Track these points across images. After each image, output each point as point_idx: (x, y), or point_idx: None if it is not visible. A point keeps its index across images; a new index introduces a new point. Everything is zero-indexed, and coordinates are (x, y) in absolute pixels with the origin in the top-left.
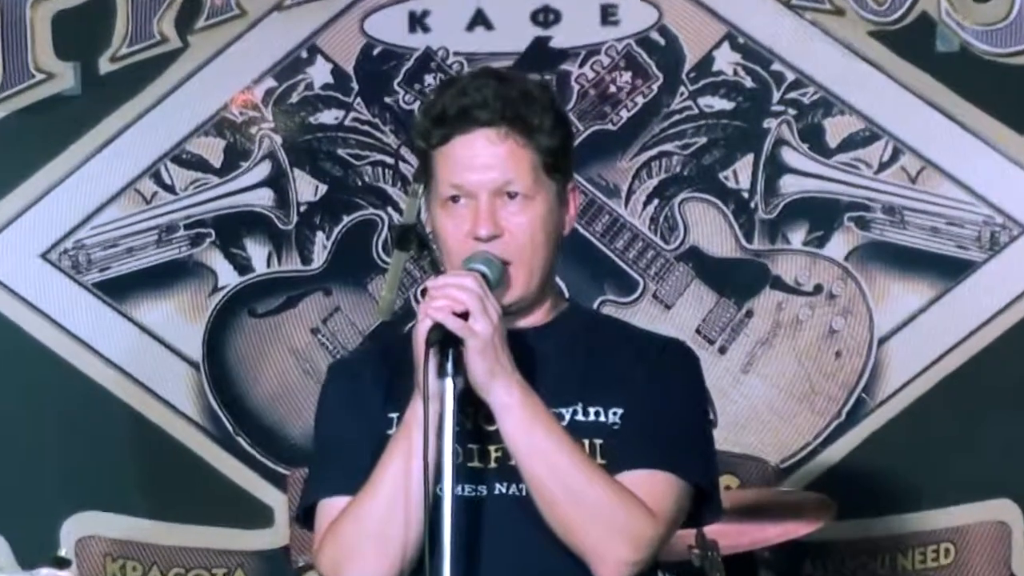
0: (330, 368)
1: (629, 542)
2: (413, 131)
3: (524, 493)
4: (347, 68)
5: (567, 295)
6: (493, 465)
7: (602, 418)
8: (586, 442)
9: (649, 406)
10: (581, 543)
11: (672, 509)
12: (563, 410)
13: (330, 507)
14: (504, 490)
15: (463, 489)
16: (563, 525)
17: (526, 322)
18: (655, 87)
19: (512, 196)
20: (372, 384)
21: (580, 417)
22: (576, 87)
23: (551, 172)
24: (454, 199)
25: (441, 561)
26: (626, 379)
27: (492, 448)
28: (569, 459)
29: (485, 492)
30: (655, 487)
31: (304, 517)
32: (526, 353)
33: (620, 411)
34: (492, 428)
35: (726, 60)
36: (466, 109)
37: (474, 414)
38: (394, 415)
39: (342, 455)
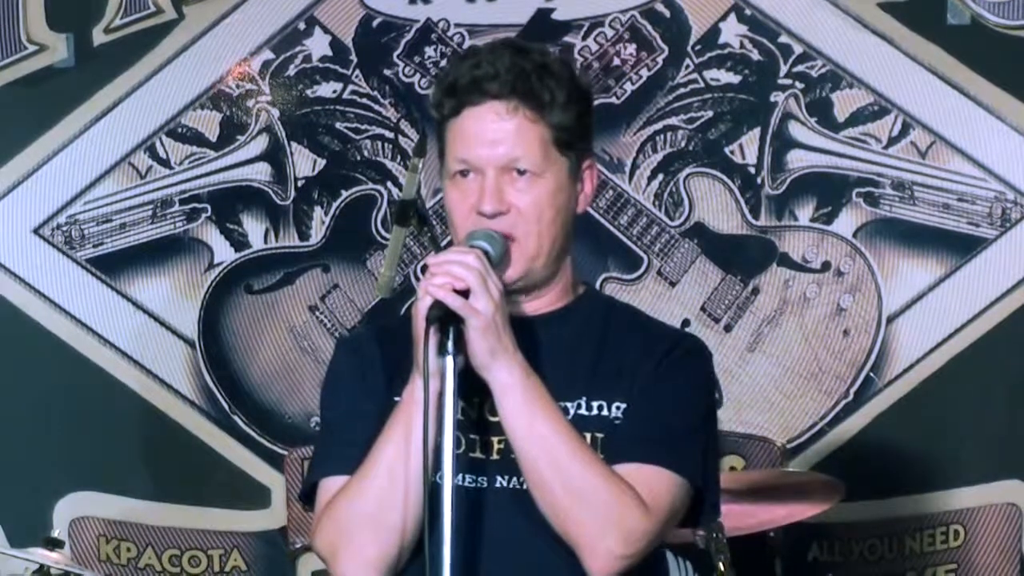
0: (337, 345)
1: (621, 535)
2: (428, 101)
3: (525, 487)
4: (346, 40)
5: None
6: (495, 457)
7: (605, 412)
8: (587, 435)
9: (652, 402)
10: (573, 533)
11: (667, 505)
12: (567, 404)
13: (330, 487)
14: (505, 483)
15: (463, 479)
16: (556, 513)
17: (534, 307)
18: (660, 60)
19: (521, 172)
20: (379, 364)
21: (583, 411)
22: (579, 60)
23: (563, 148)
24: (463, 173)
25: (440, 551)
26: (632, 373)
27: (495, 439)
28: (566, 446)
29: (486, 484)
30: (651, 481)
31: (307, 496)
32: (533, 343)
33: (623, 406)
34: (496, 419)
35: (733, 32)
36: (477, 80)
37: (479, 404)
38: (399, 399)
39: (346, 434)
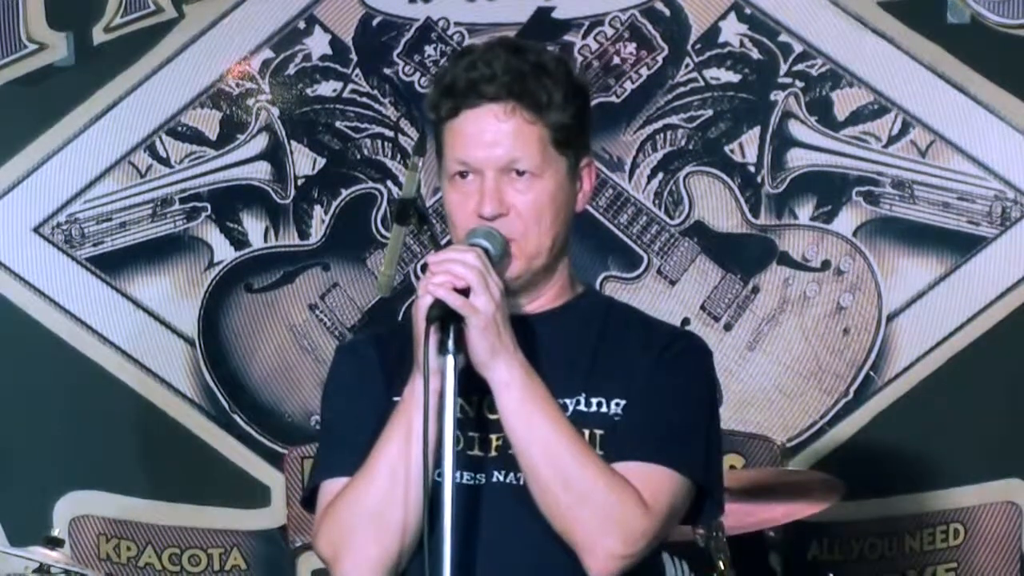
0: (336, 351)
1: (620, 534)
2: (424, 102)
3: (522, 482)
4: (346, 39)
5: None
6: (494, 454)
7: (604, 408)
8: (587, 432)
9: (652, 398)
10: (571, 531)
11: (667, 504)
12: (566, 400)
13: (331, 489)
14: (502, 478)
15: (462, 476)
16: (555, 511)
17: (533, 306)
18: (660, 59)
19: (520, 173)
20: (378, 367)
21: (583, 407)
22: (579, 59)
23: (562, 148)
24: (462, 174)
25: (440, 549)
26: (631, 370)
27: (494, 436)
28: (566, 444)
29: (484, 480)
30: (651, 480)
31: (309, 501)
32: (532, 341)
33: (623, 402)
34: (495, 417)
35: (733, 31)
36: (474, 83)
37: (478, 402)
38: (399, 399)
39: (345, 437)
